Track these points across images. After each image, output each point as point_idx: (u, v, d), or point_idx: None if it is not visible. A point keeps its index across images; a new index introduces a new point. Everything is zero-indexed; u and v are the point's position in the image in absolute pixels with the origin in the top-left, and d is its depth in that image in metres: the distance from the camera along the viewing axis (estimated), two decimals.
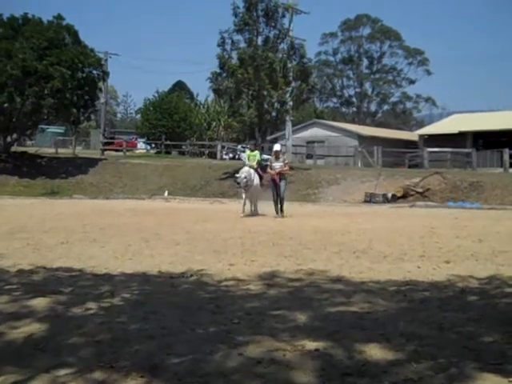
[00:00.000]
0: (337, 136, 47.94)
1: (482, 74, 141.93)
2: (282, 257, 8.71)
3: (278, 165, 16.91)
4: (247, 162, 17.44)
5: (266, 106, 32.70)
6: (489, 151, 40.04)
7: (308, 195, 27.89)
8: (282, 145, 23.84)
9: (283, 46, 33.73)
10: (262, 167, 17.95)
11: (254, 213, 17.24)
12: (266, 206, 17.13)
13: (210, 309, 5.32)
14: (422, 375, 3.55)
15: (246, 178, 16.58)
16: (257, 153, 18.05)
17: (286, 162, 17.77)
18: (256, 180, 17.04)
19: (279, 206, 16.82)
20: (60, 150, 42.71)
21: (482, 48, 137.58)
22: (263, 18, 32.73)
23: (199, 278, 6.93)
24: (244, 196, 17.08)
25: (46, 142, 51.48)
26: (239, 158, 40.69)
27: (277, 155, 17.18)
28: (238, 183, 17.35)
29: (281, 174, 16.91)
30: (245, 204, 16.87)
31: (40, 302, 5.51)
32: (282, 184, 16.92)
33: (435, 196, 26.16)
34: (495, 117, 46.46)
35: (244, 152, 18.11)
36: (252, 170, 17.05)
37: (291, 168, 30.63)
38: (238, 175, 16.72)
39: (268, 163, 17.72)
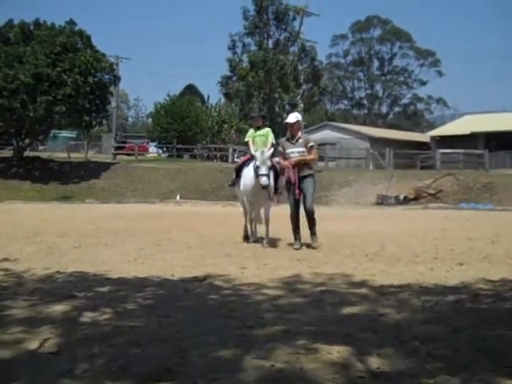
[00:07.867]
0: (348, 138, 47.87)
1: (494, 74, 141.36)
2: (294, 260, 8.70)
3: (296, 151, 9.85)
4: (253, 149, 10.32)
5: (277, 108, 32.83)
6: (502, 152, 39.92)
7: (320, 198, 27.74)
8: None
9: (294, 48, 33.97)
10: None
11: (266, 236, 10.50)
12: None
13: (223, 313, 5.31)
14: (437, 378, 3.53)
15: (267, 175, 9.82)
16: (268, 131, 10.76)
17: (311, 144, 10.08)
18: (270, 182, 10.13)
19: (308, 224, 9.99)
20: (72, 155, 43.04)
21: (495, 48, 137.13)
22: (274, 20, 32.98)
23: (212, 282, 6.93)
24: (247, 209, 11.07)
25: (58, 147, 51.83)
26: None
27: (294, 132, 10.00)
28: (232, 184, 11.61)
29: (302, 168, 9.88)
30: (251, 221, 11.23)
31: (54, 307, 5.53)
32: (309, 186, 9.91)
33: (448, 197, 26.10)
34: (508, 117, 46.24)
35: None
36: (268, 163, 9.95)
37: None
38: (260, 171, 9.80)
39: (280, 149, 10.32)
